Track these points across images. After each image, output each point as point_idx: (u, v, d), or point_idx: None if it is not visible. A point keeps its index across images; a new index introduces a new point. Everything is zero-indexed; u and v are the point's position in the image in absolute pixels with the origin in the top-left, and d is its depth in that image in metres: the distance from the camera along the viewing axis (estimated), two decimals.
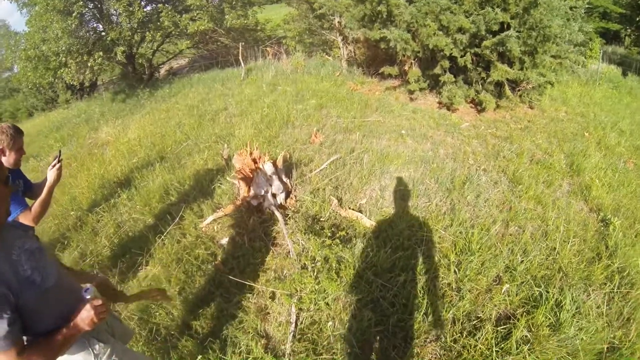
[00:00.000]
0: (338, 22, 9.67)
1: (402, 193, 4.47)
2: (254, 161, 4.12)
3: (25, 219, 2.54)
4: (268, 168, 3.99)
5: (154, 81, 14.68)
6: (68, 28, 11.02)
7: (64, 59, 11.32)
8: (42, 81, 12.21)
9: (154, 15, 13.37)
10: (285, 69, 10.79)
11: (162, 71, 18.35)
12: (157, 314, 3.33)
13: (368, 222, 3.84)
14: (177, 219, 4.43)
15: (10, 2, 12.06)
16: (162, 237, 4.17)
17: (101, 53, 11.86)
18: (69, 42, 11.21)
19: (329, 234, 3.39)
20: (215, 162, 5.68)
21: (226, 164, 5.40)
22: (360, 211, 4.15)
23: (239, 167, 4.18)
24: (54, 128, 12.73)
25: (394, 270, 3.36)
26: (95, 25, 13.24)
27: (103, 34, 12.81)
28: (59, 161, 2.59)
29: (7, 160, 2.54)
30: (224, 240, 3.93)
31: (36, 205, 2.56)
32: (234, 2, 13.98)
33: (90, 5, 12.73)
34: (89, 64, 11.79)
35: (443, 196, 4.44)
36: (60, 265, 1.92)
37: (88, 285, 1.76)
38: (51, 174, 2.56)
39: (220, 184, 4.92)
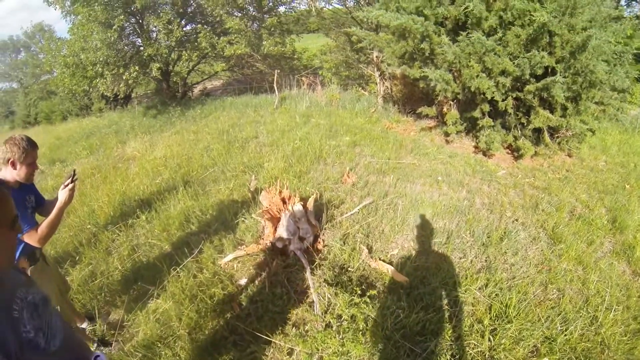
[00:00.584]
0: (376, 56, 9.67)
1: (436, 246, 4.25)
2: (283, 201, 3.94)
3: (30, 239, 2.41)
4: (298, 210, 3.81)
5: (186, 100, 14.98)
6: (107, 40, 11.45)
7: (100, 69, 11.69)
8: (77, 88, 12.63)
9: (192, 35, 13.76)
10: (319, 101, 10.80)
11: (196, 90, 18.77)
12: (164, 353, 3.12)
13: (399, 277, 3.59)
14: (196, 251, 4.26)
15: (55, 9, 12.61)
16: (178, 269, 3.98)
17: (137, 67, 12.22)
18: (107, 53, 11.66)
19: (359, 291, 3.13)
20: (241, 194, 5.55)
21: (252, 197, 5.25)
22: (392, 263, 3.91)
23: (266, 206, 4.01)
24: (85, 135, 13.02)
25: (425, 333, 3.10)
26: (134, 39, 13.68)
27: (141, 48, 13.21)
28: (72, 181, 2.48)
29: (18, 174, 2.45)
30: (243, 281, 3.72)
31: (43, 226, 2.42)
32: (272, 29, 14.26)
33: (132, 20, 13.24)
34: (124, 77, 12.14)
35: (479, 252, 4.19)
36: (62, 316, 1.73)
37: (99, 352, 1.65)
38: (62, 195, 2.45)
39: (245, 218, 4.75)
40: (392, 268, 3.69)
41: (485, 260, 4.06)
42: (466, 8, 6.54)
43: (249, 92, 14.17)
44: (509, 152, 7.28)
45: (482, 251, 4.19)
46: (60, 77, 12.54)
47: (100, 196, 6.42)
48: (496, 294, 3.50)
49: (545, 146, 6.87)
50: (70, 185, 2.47)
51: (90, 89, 12.73)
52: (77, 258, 4.80)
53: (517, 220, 4.89)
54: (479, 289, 3.56)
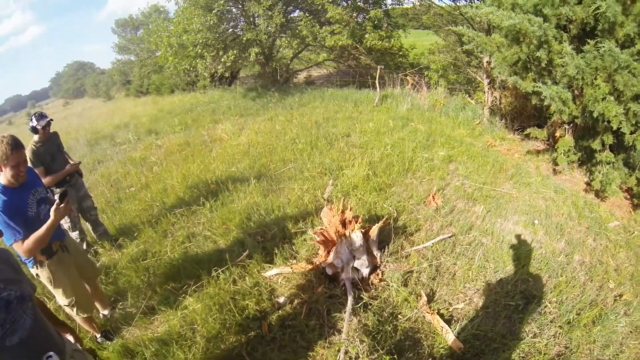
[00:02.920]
0: (487, 62, 8.82)
1: (508, 311, 3.59)
2: (343, 223, 3.64)
3: (18, 248, 2.55)
4: (356, 238, 3.48)
5: (287, 86, 15.32)
6: (207, 23, 12.19)
7: (200, 50, 12.46)
8: (179, 67, 13.65)
9: (293, 22, 13.99)
10: (422, 104, 10.25)
11: (301, 77, 19.19)
12: (176, 354, 3.12)
13: (451, 340, 3.09)
14: (244, 254, 4.19)
15: None
16: (220, 271, 3.94)
17: (235, 51, 12.75)
18: (207, 36, 12.43)
19: (395, 352, 2.72)
20: (313, 199, 5.39)
21: (329, 204, 5.07)
22: (451, 320, 3.41)
23: (325, 224, 3.75)
24: (184, 110, 14.10)
25: None
26: (234, 23, 14.33)
27: (240, 33, 13.77)
28: (61, 203, 2.52)
29: (5, 176, 2.54)
30: (282, 299, 3.54)
31: (30, 240, 2.52)
32: (377, 22, 13.90)
33: (231, 4, 13.92)
34: (222, 59, 12.76)
35: (560, 332, 3.43)
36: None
37: (51, 353, 1.70)
38: (53, 215, 2.50)
39: (305, 230, 4.57)
40: (448, 328, 3.20)
41: (565, 347, 3.31)
42: (597, 9, 5.47)
43: (352, 86, 14.03)
44: (628, 197, 6.04)
45: (565, 332, 3.44)
46: (163, 55, 13.72)
47: (176, 175, 6.75)
48: None
49: None
50: (60, 208, 2.51)
51: (191, 68, 13.70)
52: (136, 234, 5.05)
53: (620, 296, 3.95)
54: None
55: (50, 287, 3.00)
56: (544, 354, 3.20)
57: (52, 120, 4.25)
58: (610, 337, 3.42)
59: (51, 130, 4.30)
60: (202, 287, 3.83)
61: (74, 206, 4.56)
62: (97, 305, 3.69)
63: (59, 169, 4.26)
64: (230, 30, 14.47)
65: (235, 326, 3.33)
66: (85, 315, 3.23)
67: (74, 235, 4.61)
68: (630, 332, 3.55)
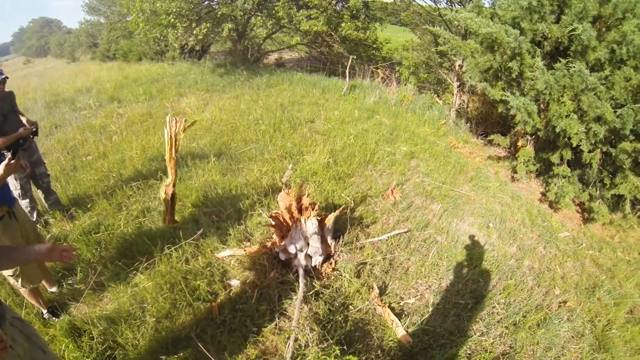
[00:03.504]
0: (459, 65, 8.94)
1: (458, 309, 3.68)
2: (299, 210, 3.58)
3: None
4: (310, 226, 3.44)
5: (257, 66, 14.98)
6: None
7: (172, 19, 11.89)
8: (149, 34, 12.99)
9: (271, 2, 13.64)
10: (389, 98, 10.28)
11: (272, 58, 18.81)
12: (125, 333, 3.00)
13: (401, 334, 3.14)
14: (198, 233, 4.07)
15: None
16: (172, 248, 3.80)
17: (208, 25, 12.30)
18: (181, 5, 11.86)
19: (337, 351, 2.68)
20: (272, 182, 5.30)
21: (287, 189, 5.00)
22: (402, 313, 3.46)
23: (281, 209, 3.67)
24: (150, 80, 13.47)
25: None
26: None
27: (216, 7, 13.29)
28: (10, 160, 2.41)
29: None
30: (234, 282, 3.47)
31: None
32: (355, 12, 13.77)
33: None
34: (194, 32, 12.27)
35: (506, 332, 3.56)
36: None
37: None
38: (2, 170, 2.40)
39: (261, 212, 4.48)
40: (398, 322, 3.24)
41: (510, 347, 3.44)
42: (573, 30, 5.63)
43: (322, 72, 13.88)
44: (579, 211, 6.34)
45: (510, 332, 3.57)
46: (134, 20, 13.00)
47: (136, 147, 6.47)
48: None
49: (623, 217, 5.90)
50: (11, 164, 2.41)
51: (161, 37, 13.08)
52: (90, 205, 4.81)
53: (565, 303, 4.15)
54: None
55: None
56: (490, 352, 3.30)
57: (7, 78, 3.91)
58: (553, 340, 3.59)
59: (6, 89, 3.97)
60: (154, 265, 3.69)
61: (25, 172, 4.26)
62: (44, 282, 3.48)
63: (11, 131, 3.94)
64: (206, 2, 13.86)
65: (185, 307, 3.24)
66: (31, 286, 3.04)
67: (24, 203, 4.31)
68: (572, 337, 3.74)
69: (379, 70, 12.35)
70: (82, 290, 3.49)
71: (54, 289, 3.56)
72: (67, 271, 3.77)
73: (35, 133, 4.32)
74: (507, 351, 3.40)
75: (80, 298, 3.43)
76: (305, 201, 3.63)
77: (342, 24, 13.24)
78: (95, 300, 3.44)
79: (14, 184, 4.08)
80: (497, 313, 3.76)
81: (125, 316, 3.17)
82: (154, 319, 3.12)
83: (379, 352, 3.06)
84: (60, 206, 4.76)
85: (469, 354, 3.23)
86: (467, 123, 9.03)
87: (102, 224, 4.43)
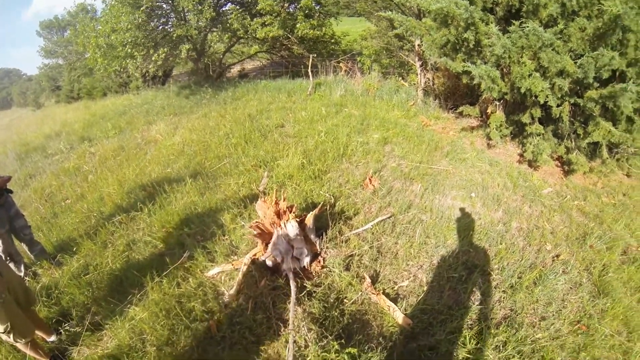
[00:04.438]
0: (418, 45, 8.98)
1: (452, 283, 3.72)
2: (278, 214, 3.58)
3: None
4: (291, 229, 3.44)
5: (221, 81, 14.91)
6: (135, 21, 11.52)
7: (129, 50, 11.79)
8: (109, 69, 12.85)
9: (224, 16, 13.59)
10: (355, 89, 10.31)
11: (235, 70, 18.72)
12: None
13: (401, 318, 3.17)
14: (184, 256, 4.05)
15: None
16: (163, 275, 3.79)
17: (166, 49, 12.22)
18: (136, 34, 11.75)
19: (336, 346, 2.70)
20: (250, 192, 5.29)
21: (263, 196, 4.99)
22: (397, 298, 3.49)
23: (260, 217, 3.68)
24: (118, 114, 13.34)
25: None
26: (164, 20, 13.68)
27: (170, 30, 13.19)
28: None
29: None
30: (227, 297, 3.45)
31: None
32: (308, 11, 13.78)
33: (161, 0, 13.21)
34: (153, 58, 12.17)
35: (504, 297, 3.61)
36: None
37: None
38: None
39: (243, 224, 4.48)
40: (395, 306, 3.27)
41: (511, 309, 3.49)
42: None
43: (285, 76, 13.86)
44: (559, 165, 6.46)
45: (508, 296, 3.62)
46: (92, 57, 12.83)
47: (112, 182, 6.40)
48: None
49: (601, 163, 6.04)
50: None
51: (121, 69, 12.95)
52: (75, 249, 4.75)
53: (558, 257, 4.21)
54: (495, 348, 3.03)
55: None
56: (491, 318, 3.35)
57: None
58: (551, 295, 3.64)
59: None
60: (147, 295, 3.66)
61: (5, 228, 4.17)
62: (41, 334, 3.43)
63: None
64: (160, 27, 13.72)
65: (184, 330, 3.22)
66: (24, 341, 2.99)
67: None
68: (570, 288, 3.80)
69: (341, 64, 12.38)
70: (80, 334, 3.45)
71: (52, 338, 3.50)
72: (62, 317, 3.72)
73: (9, 190, 4.24)
74: (508, 314, 3.44)
75: (79, 341, 3.39)
76: (283, 205, 3.63)
77: (298, 25, 13.22)
78: (94, 341, 3.40)
79: None
80: (493, 279, 3.81)
81: (127, 350, 3.13)
82: (155, 348, 3.10)
83: (380, 339, 3.08)
84: (46, 255, 4.67)
85: (471, 324, 3.27)
86: (435, 100, 9.08)
87: (90, 264, 4.37)
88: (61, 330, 3.56)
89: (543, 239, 4.52)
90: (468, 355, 2.96)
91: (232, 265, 3.69)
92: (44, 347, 3.31)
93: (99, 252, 4.59)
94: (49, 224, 5.63)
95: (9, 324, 2.80)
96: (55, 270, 4.40)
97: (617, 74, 5.47)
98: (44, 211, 6.11)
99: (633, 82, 5.05)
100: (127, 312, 3.56)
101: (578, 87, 5.76)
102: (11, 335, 2.86)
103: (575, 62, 5.45)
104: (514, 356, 2.97)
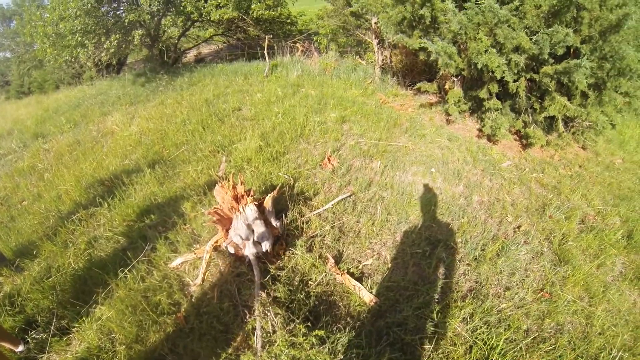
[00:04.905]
0: (375, 22, 8.90)
1: (418, 257, 3.76)
2: (236, 199, 3.51)
3: None
4: (250, 213, 3.37)
5: (177, 67, 14.37)
6: (84, 7, 10.78)
7: (80, 38, 11.10)
8: (59, 59, 12.10)
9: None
10: (312, 69, 10.16)
11: (191, 55, 18.10)
12: None
13: (367, 297, 3.19)
14: (147, 248, 3.94)
15: None
16: (126, 270, 3.68)
17: (118, 36, 11.58)
18: (86, 21, 10.99)
19: (303, 329, 2.66)
20: (209, 178, 5.16)
21: (221, 182, 4.89)
22: (362, 276, 3.51)
23: (219, 203, 3.60)
24: (72, 107, 12.65)
25: None
26: (115, 5, 12.95)
27: (122, 15, 12.53)
28: None
29: None
30: (192, 288, 3.39)
31: None
32: None
33: None
34: (105, 46, 11.55)
35: (469, 269, 3.69)
36: None
37: None
38: None
39: (203, 211, 4.38)
40: (360, 286, 3.28)
41: (476, 281, 3.56)
42: None
43: (242, 59, 13.50)
44: (517, 139, 6.61)
45: (473, 268, 3.69)
46: (41, 47, 12.03)
47: (69, 179, 6.11)
48: (482, 330, 3.02)
49: (558, 136, 6.22)
50: None
51: (73, 59, 12.23)
52: (35, 252, 4.53)
53: (519, 228, 4.33)
54: (462, 320, 3.10)
55: None
56: (457, 291, 3.41)
57: None
58: (514, 266, 3.74)
59: None
60: (112, 292, 3.55)
61: None
62: (8, 345, 3.28)
63: None
64: (111, 13, 12.91)
65: (152, 325, 3.13)
66: None
67: None
68: (532, 258, 3.91)
69: (297, 45, 12.14)
70: (47, 340, 3.33)
71: (20, 348, 3.35)
72: (27, 326, 3.57)
73: None
74: (473, 286, 3.51)
75: (47, 348, 3.27)
76: (240, 189, 3.55)
77: (252, 6, 12.82)
78: (63, 347, 3.26)
79: None
80: (457, 252, 3.87)
81: (97, 352, 3.03)
82: (124, 346, 3.02)
83: (347, 319, 3.10)
84: (6, 261, 4.43)
85: (437, 299, 3.32)
86: (393, 77, 9.06)
87: (52, 266, 4.16)
88: (28, 339, 3.42)
89: (504, 211, 4.62)
90: (436, 329, 3.02)
91: (195, 254, 3.61)
92: (13, 358, 3.18)
93: (60, 253, 4.38)
94: (6, 228, 5.33)
95: None
96: (17, 276, 4.18)
97: (572, 50, 5.61)
98: (0, 215, 5.80)
99: (587, 58, 5.17)
100: (94, 312, 3.43)
101: (534, 63, 5.85)
102: None
103: (531, 39, 5.51)
104: (480, 327, 3.04)
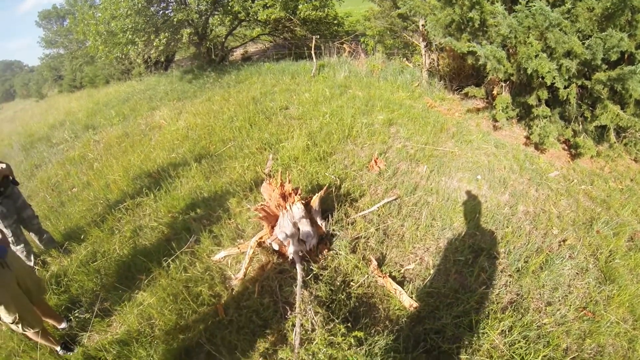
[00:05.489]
0: (422, 25, 8.81)
1: (460, 265, 3.69)
2: (283, 197, 3.56)
3: None
4: (297, 211, 3.42)
5: (224, 65, 14.79)
6: (135, 6, 11.37)
7: (130, 36, 11.67)
8: (110, 56, 12.78)
9: None
10: (359, 71, 10.19)
11: (237, 53, 18.57)
12: (138, 353, 3.02)
13: (407, 301, 3.16)
14: (191, 240, 4.06)
15: None
16: (169, 260, 3.81)
17: (167, 34, 12.09)
18: (136, 20, 11.59)
19: (343, 329, 2.67)
20: (255, 175, 5.27)
21: (268, 179, 4.98)
22: (403, 281, 3.47)
23: (266, 200, 3.66)
24: (121, 101, 13.33)
25: None
26: (164, 4, 13.53)
27: (171, 14, 13.05)
28: None
29: None
30: (234, 281, 3.46)
31: None
32: None
33: None
34: (154, 44, 12.07)
35: (510, 281, 3.59)
36: None
37: None
38: None
39: (249, 207, 4.47)
40: (401, 290, 3.25)
41: (517, 294, 3.46)
42: None
43: (288, 58, 13.73)
44: (566, 148, 6.33)
45: (515, 280, 3.59)
46: (93, 45, 12.77)
47: (117, 169, 6.41)
48: (520, 345, 2.92)
49: (609, 147, 5.91)
50: None
51: (123, 56, 12.87)
52: (83, 236, 4.78)
53: (564, 241, 4.16)
54: (501, 333, 3.01)
55: None
56: (497, 302, 3.33)
57: None
58: (558, 280, 3.61)
59: None
60: (154, 280, 3.70)
61: (13, 218, 4.20)
62: (52, 322, 3.48)
63: None
64: (161, 12, 13.58)
65: (191, 314, 3.25)
66: (34, 331, 3.03)
67: (19, 249, 4.26)
68: (577, 273, 3.76)
69: (344, 45, 12.22)
70: (90, 320, 3.50)
71: (63, 325, 3.55)
72: (72, 304, 3.77)
73: (15, 182, 4.25)
74: (514, 299, 3.42)
75: (89, 328, 3.44)
76: (288, 187, 3.61)
77: (300, 6, 13.02)
78: (104, 327, 3.45)
79: (5, 233, 4.02)
80: (499, 263, 3.78)
81: (136, 335, 3.18)
82: (163, 332, 3.14)
83: (386, 322, 3.09)
84: (55, 244, 4.72)
85: (477, 308, 3.25)
86: (440, 81, 8.95)
87: (98, 251, 4.41)
88: (71, 317, 3.61)
89: (550, 223, 4.46)
90: (474, 340, 2.95)
91: (239, 249, 3.70)
92: (54, 334, 3.36)
93: (106, 239, 4.62)
94: (56, 213, 5.68)
95: (16, 315, 2.85)
96: (64, 258, 4.45)
97: (626, 56, 5.35)
98: (51, 200, 6.16)
99: None
100: (136, 297, 3.61)
101: (586, 69, 5.63)
102: (19, 326, 2.91)
103: (583, 43, 5.31)
104: (519, 341, 2.95)
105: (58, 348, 3.26)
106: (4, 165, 4.00)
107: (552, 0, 5.64)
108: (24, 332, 2.98)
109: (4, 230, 4.03)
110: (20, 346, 3.30)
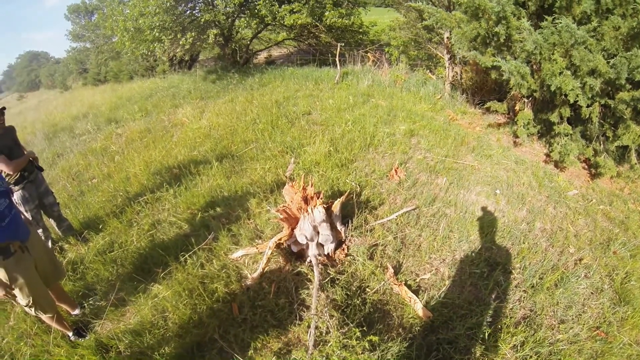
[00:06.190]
0: (447, 37, 8.83)
1: (475, 278, 3.69)
2: (305, 200, 3.60)
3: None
4: (318, 215, 3.45)
5: (248, 67, 14.99)
6: (163, 5, 11.64)
7: (157, 34, 11.92)
8: (136, 52, 13.06)
9: (252, 2, 13.62)
10: (382, 80, 10.24)
11: (261, 57, 18.79)
12: (150, 343, 3.08)
13: (421, 310, 3.16)
14: (209, 238, 4.12)
15: None
16: (187, 256, 3.87)
17: (194, 33, 12.31)
18: (164, 18, 11.84)
19: (358, 333, 2.68)
20: (276, 178, 5.34)
21: (291, 182, 5.03)
22: (418, 290, 3.48)
23: (288, 202, 3.71)
24: (144, 97, 13.59)
25: None
26: (192, 4, 13.80)
27: (198, 14, 13.29)
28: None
29: None
30: (250, 281, 3.50)
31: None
32: (337, 0, 13.70)
33: None
34: (180, 42, 12.30)
35: (524, 296, 3.58)
36: None
37: None
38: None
39: (269, 209, 4.52)
40: (416, 298, 3.27)
41: (531, 310, 3.46)
42: None
43: (312, 64, 13.86)
44: (586, 167, 6.29)
45: (529, 296, 3.58)
46: (120, 40, 13.08)
47: (138, 163, 6.54)
48: None
49: (630, 168, 5.83)
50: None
51: (149, 53, 13.13)
52: (101, 226, 4.88)
53: (580, 260, 4.14)
54: (513, 347, 3.01)
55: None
56: (510, 317, 3.33)
57: (4, 108, 3.93)
58: (572, 299, 3.60)
59: (6, 124, 4.00)
60: (171, 274, 3.76)
61: (35, 203, 4.32)
62: (66, 307, 3.55)
63: None
64: (188, 12, 13.85)
65: (205, 310, 3.29)
66: (47, 315, 3.10)
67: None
68: (592, 293, 3.74)
69: (368, 54, 12.31)
70: (104, 308, 3.57)
71: (76, 312, 3.62)
72: (87, 291, 3.85)
73: (40, 168, 4.37)
74: (528, 314, 3.42)
75: (103, 316, 3.50)
76: (310, 191, 3.65)
77: (326, 13, 13.18)
78: (117, 316, 3.51)
79: (25, 217, 4.12)
80: (514, 278, 3.77)
81: (149, 327, 3.23)
82: (177, 325, 3.18)
83: (400, 330, 3.10)
84: (73, 231, 4.82)
85: (490, 321, 3.23)
86: (462, 94, 8.96)
87: (116, 242, 4.50)
88: (85, 304, 3.68)
89: (566, 242, 4.44)
90: (486, 352, 2.96)
91: (257, 249, 3.74)
92: (68, 319, 3.43)
93: (124, 231, 4.71)
94: (76, 201, 5.81)
95: (31, 299, 2.90)
96: (82, 246, 4.54)
97: None
98: (72, 189, 6.30)
99: None
100: (151, 290, 3.66)
101: (609, 88, 5.59)
102: (32, 310, 2.97)
103: (608, 62, 5.29)
104: (531, 357, 2.96)
105: (70, 333, 3.33)
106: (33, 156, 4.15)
107: (578, 18, 5.61)
108: (37, 315, 3.05)
109: (25, 214, 4.14)
110: (32, 328, 3.38)
